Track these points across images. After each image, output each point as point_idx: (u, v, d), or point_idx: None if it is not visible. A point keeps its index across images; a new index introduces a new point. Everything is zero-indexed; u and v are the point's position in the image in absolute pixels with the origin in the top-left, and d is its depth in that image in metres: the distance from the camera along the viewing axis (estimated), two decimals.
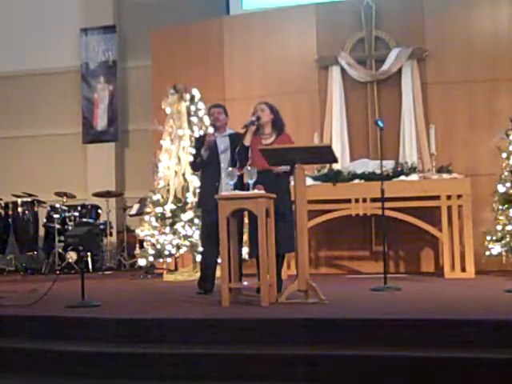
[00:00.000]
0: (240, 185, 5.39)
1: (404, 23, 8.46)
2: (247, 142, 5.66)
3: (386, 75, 8.33)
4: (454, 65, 8.27)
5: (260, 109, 5.71)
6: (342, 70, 8.49)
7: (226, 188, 5.68)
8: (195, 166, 6.28)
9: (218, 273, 6.12)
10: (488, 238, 6.90)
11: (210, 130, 6.30)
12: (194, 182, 7.60)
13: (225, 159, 5.95)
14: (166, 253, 7.63)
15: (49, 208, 9.84)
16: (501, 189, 6.89)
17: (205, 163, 6.01)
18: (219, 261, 5.69)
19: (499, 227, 6.84)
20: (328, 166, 7.74)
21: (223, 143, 6.00)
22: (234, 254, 5.25)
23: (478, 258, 7.10)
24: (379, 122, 6.29)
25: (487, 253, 6.91)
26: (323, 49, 8.62)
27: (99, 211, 9.99)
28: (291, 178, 5.45)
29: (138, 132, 10.87)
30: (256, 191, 5.04)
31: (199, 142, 6.16)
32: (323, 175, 7.63)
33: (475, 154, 8.05)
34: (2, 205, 9.94)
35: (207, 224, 5.96)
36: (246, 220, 5.81)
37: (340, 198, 7.44)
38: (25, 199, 9.90)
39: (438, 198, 7.21)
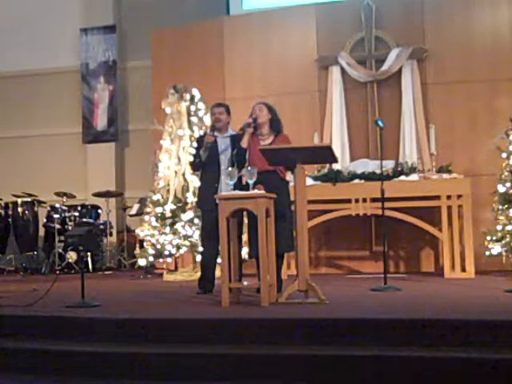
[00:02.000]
0: (239, 186, 5.38)
1: (404, 23, 8.46)
2: (244, 144, 5.66)
3: (386, 75, 8.33)
4: (454, 65, 8.27)
5: (258, 108, 5.71)
6: (342, 70, 8.49)
7: (226, 189, 5.68)
8: (194, 166, 6.26)
9: (217, 273, 6.12)
10: (488, 238, 6.91)
11: (208, 130, 6.27)
12: (194, 182, 7.59)
13: (225, 160, 5.93)
14: (166, 253, 7.63)
15: (49, 208, 9.85)
16: (501, 189, 6.89)
17: (204, 164, 6.00)
18: (219, 261, 5.70)
19: (499, 227, 6.85)
20: (328, 165, 7.74)
21: (224, 144, 5.98)
22: (234, 254, 5.25)
23: (478, 258, 7.10)
24: (379, 122, 6.29)
25: (487, 253, 6.92)
26: (323, 49, 8.62)
27: (99, 211, 10.00)
28: (291, 177, 5.46)
29: (138, 132, 10.88)
30: (256, 191, 5.05)
31: (199, 142, 6.15)
32: (323, 175, 7.62)
33: (475, 154, 8.05)
34: (2, 205, 9.95)
35: (207, 224, 5.96)
36: (246, 220, 5.81)
37: (340, 197, 7.44)
38: (25, 199, 9.90)
39: (438, 198, 7.21)
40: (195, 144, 6.54)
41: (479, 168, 7.94)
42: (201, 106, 7.95)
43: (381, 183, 6.17)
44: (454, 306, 4.78)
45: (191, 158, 6.63)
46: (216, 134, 6.00)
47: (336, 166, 7.64)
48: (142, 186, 9.57)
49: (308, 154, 5.15)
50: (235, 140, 5.89)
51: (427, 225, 7.34)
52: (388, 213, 6.71)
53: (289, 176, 5.64)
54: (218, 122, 6.03)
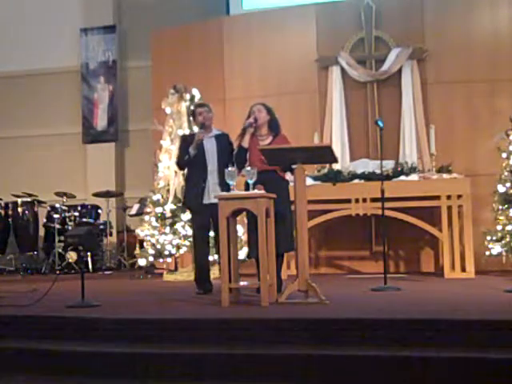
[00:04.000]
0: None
1: (404, 23, 8.46)
2: (245, 143, 5.65)
3: (386, 75, 8.33)
4: (454, 65, 8.27)
5: (257, 109, 5.71)
6: (342, 70, 8.49)
7: (214, 189, 5.68)
8: (183, 163, 6.08)
9: (216, 272, 6.13)
10: (488, 237, 6.91)
11: (195, 129, 6.23)
12: None
13: (212, 160, 5.90)
14: (166, 253, 7.64)
15: (49, 208, 9.85)
16: (501, 189, 6.89)
17: (191, 162, 5.95)
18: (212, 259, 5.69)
19: (499, 227, 6.85)
20: (328, 165, 7.74)
21: (210, 144, 5.95)
22: (234, 254, 5.24)
23: (478, 258, 7.10)
24: (379, 122, 6.29)
25: (487, 253, 6.93)
26: (323, 49, 8.62)
27: (99, 211, 10.00)
28: (291, 177, 5.47)
29: (138, 132, 10.88)
30: (256, 191, 5.04)
31: (186, 141, 6.06)
32: (323, 175, 7.63)
33: (475, 154, 8.05)
34: (2, 205, 9.94)
35: (196, 225, 5.96)
36: (245, 220, 5.81)
37: (340, 197, 7.44)
38: (25, 199, 9.90)
39: (438, 198, 7.21)
40: (180, 143, 6.41)
41: (479, 168, 7.94)
42: None
43: (381, 183, 6.17)
44: (454, 306, 4.77)
45: (177, 158, 6.45)
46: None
47: (336, 166, 7.65)
48: (142, 186, 9.57)
49: (308, 154, 5.14)
50: (220, 140, 5.90)
51: (427, 225, 7.34)
52: (388, 213, 6.72)
53: (288, 176, 5.65)
54: (208, 121, 6.00)
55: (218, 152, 5.89)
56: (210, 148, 5.94)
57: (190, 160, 5.92)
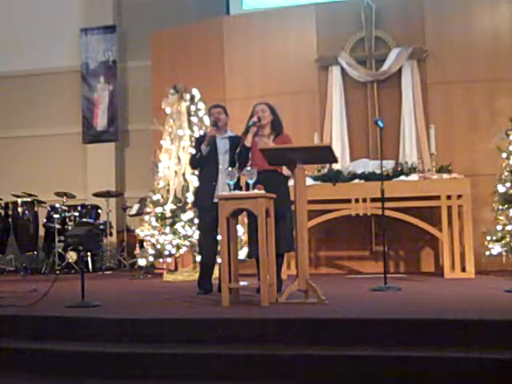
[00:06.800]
0: (238, 186, 5.38)
1: (404, 23, 8.46)
2: (248, 142, 5.65)
3: (386, 75, 8.33)
4: (454, 65, 8.28)
5: (261, 109, 5.71)
6: (342, 70, 8.49)
7: (224, 188, 5.68)
8: (194, 162, 6.15)
9: (215, 273, 6.12)
10: (488, 238, 6.92)
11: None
12: (194, 182, 7.58)
13: (224, 160, 5.92)
14: (166, 253, 7.63)
15: (49, 208, 9.85)
16: (501, 189, 6.90)
17: (204, 161, 5.98)
18: (218, 260, 5.69)
19: (499, 227, 6.85)
20: (328, 165, 7.74)
21: (223, 144, 5.98)
22: (234, 254, 5.24)
23: (478, 258, 7.10)
24: (379, 122, 6.28)
25: (487, 253, 6.93)
26: (323, 49, 8.62)
27: (99, 211, 10.00)
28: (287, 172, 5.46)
29: (138, 132, 10.89)
30: (256, 191, 5.05)
31: (199, 141, 6.12)
32: (323, 175, 7.62)
33: (475, 154, 8.05)
34: (2, 205, 9.94)
35: (204, 224, 5.96)
36: (246, 220, 5.81)
37: (340, 197, 7.43)
38: (25, 199, 9.91)
39: (438, 198, 7.21)
40: (194, 144, 6.50)
41: (479, 168, 7.94)
42: (201, 105, 7.95)
43: (381, 183, 6.17)
44: (454, 306, 4.78)
45: (190, 157, 6.55)
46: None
47: (336, 166, 7.64)
48: (141, 186, 9.58)
49: (308, 154, 5.14)
50: (234, 141, 5.91)
51: (427, 225, 7.34)
52: (388, 213, 6.72)
53: (285, 169, 5.61)
54: (220, 121, 6.03)
55: (230, 153, 5.90)
56: (223, 148, 5.97)
57: (203, 159, 5.93)
